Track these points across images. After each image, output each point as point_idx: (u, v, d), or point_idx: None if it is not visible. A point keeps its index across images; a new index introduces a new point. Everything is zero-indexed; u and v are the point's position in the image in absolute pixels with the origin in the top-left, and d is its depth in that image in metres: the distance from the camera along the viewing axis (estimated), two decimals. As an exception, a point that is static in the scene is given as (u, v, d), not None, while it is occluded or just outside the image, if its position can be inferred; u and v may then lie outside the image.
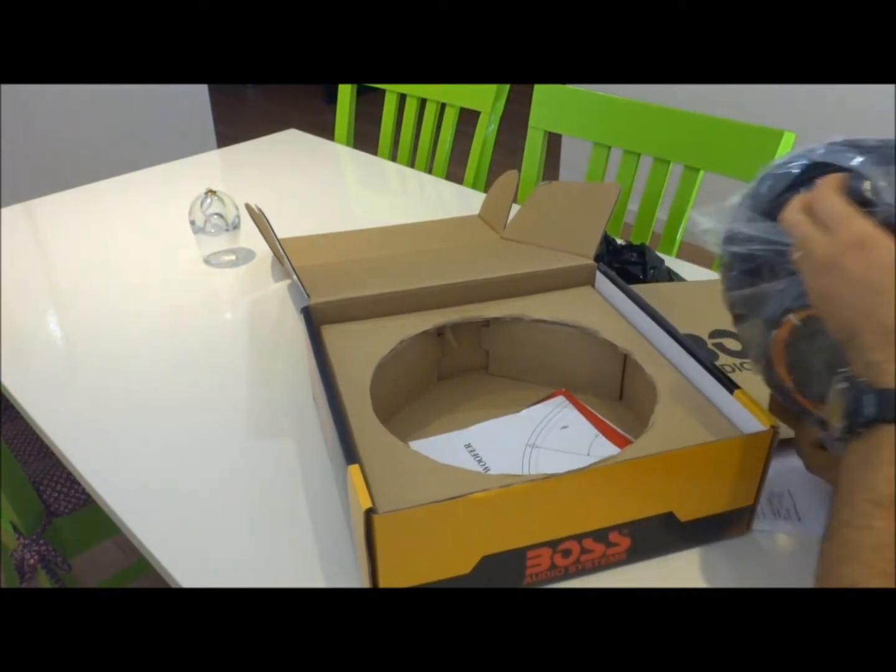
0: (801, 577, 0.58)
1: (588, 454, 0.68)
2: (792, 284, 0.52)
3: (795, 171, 0.53)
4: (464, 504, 0.52)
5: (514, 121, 2.70)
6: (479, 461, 0.67)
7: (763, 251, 0.53)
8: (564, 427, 0.71)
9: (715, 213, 0.57)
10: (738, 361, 0.79)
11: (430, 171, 1.48)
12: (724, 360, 0.79)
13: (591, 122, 1.29)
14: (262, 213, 0.87)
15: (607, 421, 0.72)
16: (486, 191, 1.26)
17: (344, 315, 0.76)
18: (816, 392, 0.55)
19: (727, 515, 0.60)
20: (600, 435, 0.70)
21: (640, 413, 0.72)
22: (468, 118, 1.52)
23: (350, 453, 0.55)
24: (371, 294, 0.76)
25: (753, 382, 0.75)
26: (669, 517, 0.58)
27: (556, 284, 0.81)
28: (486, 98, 1.42)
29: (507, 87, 1.43)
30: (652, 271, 0.94)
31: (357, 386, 0.66)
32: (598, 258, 0.84)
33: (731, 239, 0.55)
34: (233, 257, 1.08)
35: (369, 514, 0.50)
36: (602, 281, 0.80)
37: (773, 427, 0.56)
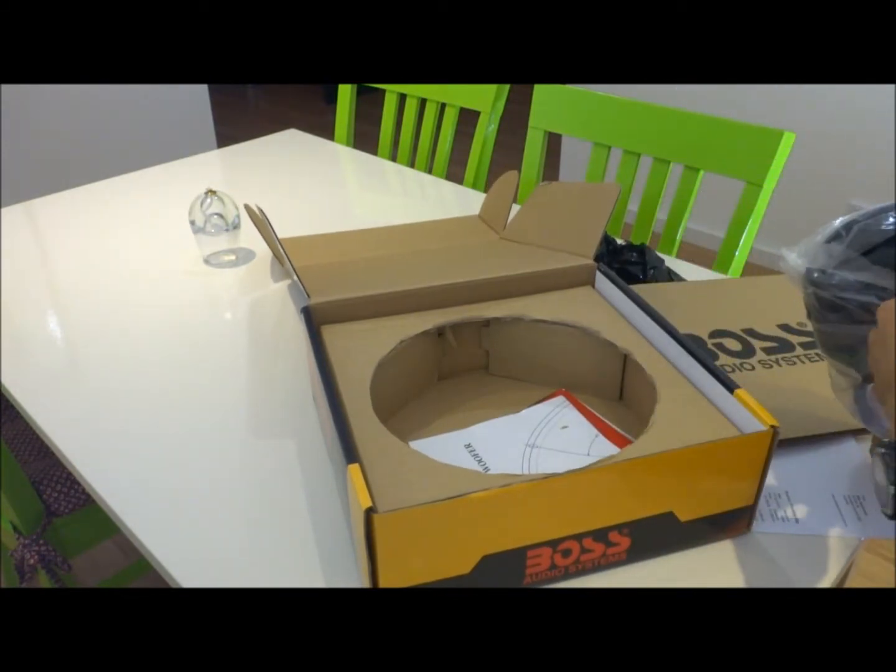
0: (799, 577, 0.58)
1: (588, 454, 0.68)
2: None
3: (891, 227, 0.54)
4: (464, 504, 0.52)
5: (514, 121, 2.70)
6: (479, 461, 0.67)
7: (850, 299, 0.54)
8: (564, 427, 0.71)
9: (802, 249, 0.58)
10: (738, 361, 0.79)
11: (430, 171, 1.48)
12: (724, 360, 0.79)
13: (591, 122, 1.29)
14: (263, 214, 0.87)
15: (607, 421, 0.72)
16: (486, 191, 1.26)
17: (344, 315, 0.76)
18: None
19: (727, 515, 0.60)
20: (600, 435, 0.70)
21: (640, 413, 0.72)
22: (468, 118, 1.52)
23: (350, 453, 0.55)
24: (371, 294, 0.76)
25: (753, 382, 0.75)
26: (669, 517, 0.58)
27: (556, 284, 0.81)
28: (486, 98, 1.42)
29: (507, 87, 1.43)
30: (652, 271, 0.94)
31: (357, 386, 0.66)
32: (598, 258, 0.84)
33: (817, 282, 0.56)
34: (233, 257, 1.08)
35: (369, 513, 0.50)
36: (602, 281, 0.80)
37: (772, 427, 0.56)
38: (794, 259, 0.58)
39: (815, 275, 0.56)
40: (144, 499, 0.67)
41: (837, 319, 0.55)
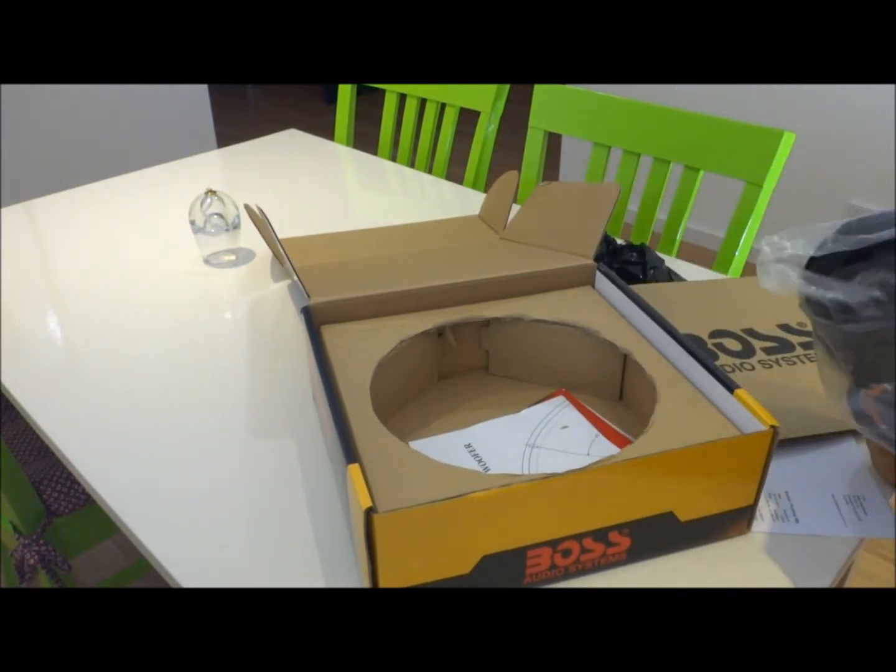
0: (799, 577, 0.58)
1: (588, 454, 0.68)
2: (883, 359, 0.53)
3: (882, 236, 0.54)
4: (464, 504, 0.52)
5: (514, 121, 2.70)
6: (479, 461, 0.67)
7: (831, 299, 0.54)
8: (564, 427, 0.71)
9: (799, 240, 0.57)
10: (738, 361, 0.79)
11: (430, 171, 1.48)
12: (724, 360, 0.79)
13: (591, 122, 1.29)
14: (263, 214, 0.87)
15: (607, 421, 0.72)
16: (486, 191, 1.26)
17: (344, 315, 0.76)
18: None
19: (727, 515, 0.60)
20: (600, 435, 0.70)
21: (640, 413, 0.72)
22: (468, 118, 1.52)
23: (350, 453, 0.55)
24: (371, 294, 0.76)
25: (753, 382, 0.75)
26: (669, 517, 0.58)
27: (556, 284, 0.81)
28: (486, 98, 1.43)
29: (507, 87, 1.43)
30: (652, 271, 0.94)
31: (357, 386, 0.66)
32: (598, 258, 0.84)
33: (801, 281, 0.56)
34: (233, 257, 1.08)
35: (369, 513, 0.50)
36: (602, 281, 0.80)
37: (772, 427, 0.56)
38: (791, 248, 0.57)
39: (798, 276, 0.57)
40: (144, 499, 0.67)
41: (820, 314, 0.56)
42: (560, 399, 0.75)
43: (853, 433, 0.71)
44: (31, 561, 1.01)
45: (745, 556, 0.60)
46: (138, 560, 1.29)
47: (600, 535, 0.57)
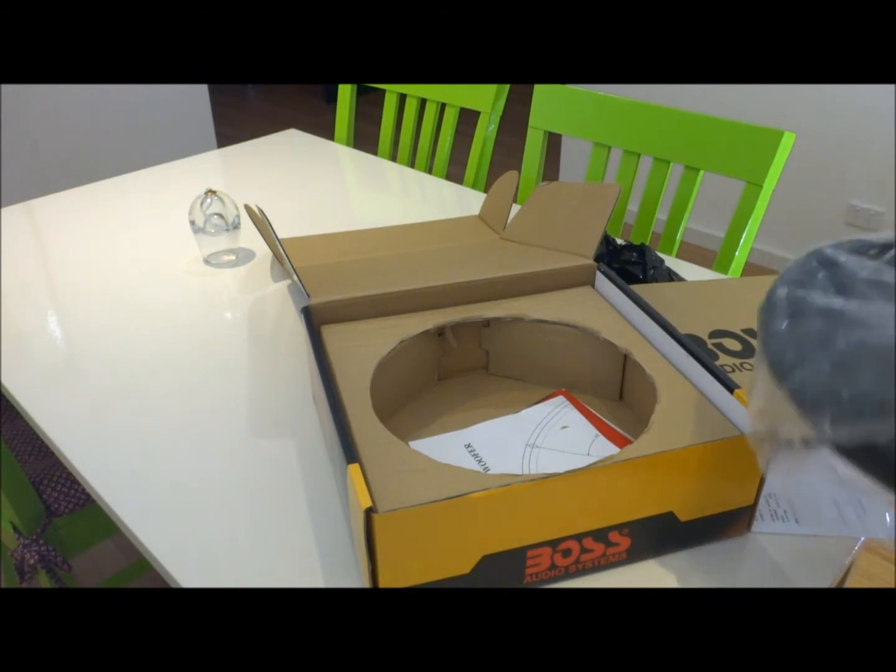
0: (799, 577, 0.58)
1: (588, 454, 0.68)
2: None
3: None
4: (464, 504, 0.52)
5: (514, 121, 2.70)
6: (479, 461, 0.67)
7: None
8: (564, 427, 0.71)
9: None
10: (738, 361, 0.79)
11: (430, 171, 1.48)
12: (724, 360, 0.79)
13: (591, 122, 1.29)
14: (263, 214, 0.87)
15: (607, 421, 0.72)
16: (486, 191, 1.26)
17: (344, 315, 0.76)
18: None
19: (727, 515, 0.60)
20: (600, 435, 0.70)
21: (640, 413, 0.72)
22: (468, 118, 1.52)
23: (350, 452, 0.55)
24: (371, 294, 0.76)
25: (753, 382, 0.75)
26: (669, 517, 0.58)
27: (556, 284, 0.81)
28: (486, 98, 1.43)
29: (507, 87, 1.43)
30: (652, 271, 0.94)
31: (357, 386, 0.66)
32: (598, 258, 0.84)
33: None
34: (233, 257, 1.08)
35: (369, 513, 0.50)
36: (602, 281, 0.80)
37: (773, 427, 0.56)
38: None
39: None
40: (145, 499, 0.67)
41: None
42: (560, 399, 0.75)
43: (853, 433, 0.71)
44: (31, 561, 1.01)
45: (745, 556, 0.60)
46: (138, 560, 1.29)
47: (600, 535, 0.57)
